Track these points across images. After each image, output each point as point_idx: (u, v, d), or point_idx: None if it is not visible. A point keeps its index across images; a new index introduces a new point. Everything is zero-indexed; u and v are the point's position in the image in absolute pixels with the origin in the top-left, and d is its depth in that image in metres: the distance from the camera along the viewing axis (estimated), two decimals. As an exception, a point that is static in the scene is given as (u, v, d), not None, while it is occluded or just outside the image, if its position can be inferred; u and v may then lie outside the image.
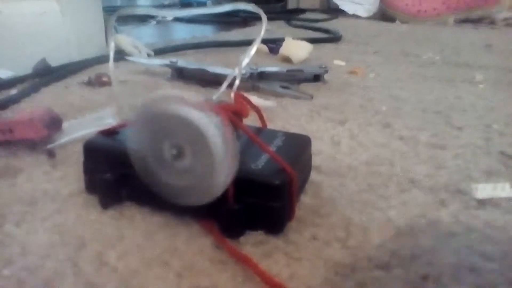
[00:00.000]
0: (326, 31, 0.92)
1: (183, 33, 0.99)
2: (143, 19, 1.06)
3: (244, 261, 0.21)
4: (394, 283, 0.21)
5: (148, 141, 0.23)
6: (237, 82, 0.31)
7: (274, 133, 0.29)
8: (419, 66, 0.66)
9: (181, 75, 0.54)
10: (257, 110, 0.31)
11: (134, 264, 0.21)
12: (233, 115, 0.25)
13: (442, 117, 0.43)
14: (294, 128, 0.39)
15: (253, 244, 0.23)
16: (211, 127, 0.21)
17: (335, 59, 0.67)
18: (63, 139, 0.34)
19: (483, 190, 0.28)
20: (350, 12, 1.27)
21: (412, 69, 0.64)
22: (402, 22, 1.13)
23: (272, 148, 0.26)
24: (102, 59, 0.60)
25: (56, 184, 0.29)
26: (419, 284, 0.20)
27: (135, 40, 0.66)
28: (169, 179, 0.23)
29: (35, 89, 0.48)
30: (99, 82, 0.51)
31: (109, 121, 0.36)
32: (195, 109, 0.22)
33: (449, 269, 0.21)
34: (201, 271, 0.21)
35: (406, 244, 0.23)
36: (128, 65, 0.58)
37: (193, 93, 0.23)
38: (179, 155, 0.23)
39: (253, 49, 0.31)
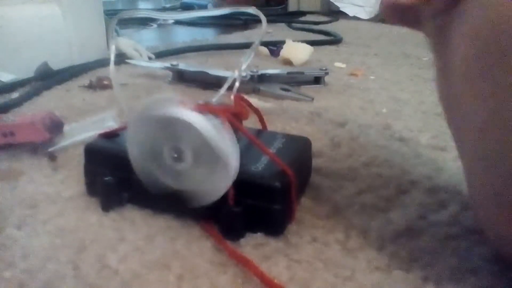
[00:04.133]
0: (326, 33, 0.92)
1: (184, 36, 0.99)
2: (144, 22, 1.06)
3: (244, 263, 0.21)
4: (394, 285, 0.21)
5: (147, 144, 0.23)
6: (237, 84, 0.31)
7: (274, 135, 0.29)
8: (419, 68, 0.66)
9: (182, 78, 0.55)
10: (257, 112, 0.31)
11: (135, 266, 0.22)
12: (233, 117, 0.25)
13: (443, 118, 0.43)
14: (294, 130, 0.39)
15: (253, 246, 0.23)
16: (211, 129, 0.22)
17: (336, 61, 0.67)
18: (64, 142, 0.34)
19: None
20: (351, 14, 1.27)
21: (413, 71, 0.64)
22: (403, 24, 1.13)
23: (272, 150, 0.26)
24: (103, 62, 0.60)
25: (57, 187, 0.29)
26: (420, 286, 0.20)
27: (136, 43, 0.67)
28: (169, 181, 0.23)
29: (36, 92, 0.48)
30: (100, 85, 0.51)
31: (110, 124, 0.36)
32: (193, 111, 0.22)
33: (449, 271, 0.21)
34: (202, 273, 0.21)
35: (406, 246, 0.23)
36: (129, 68, 0.58)
37: (191, 97, 0.23)
38: (179, 158, 0.23)
39: (252, 52, 0.31)
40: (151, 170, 0.24)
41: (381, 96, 0.50)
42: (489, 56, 0.17)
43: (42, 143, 0.33)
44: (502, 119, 0.17)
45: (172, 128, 0.22)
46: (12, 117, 0.35)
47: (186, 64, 0.55)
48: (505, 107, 0.16)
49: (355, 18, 1.26)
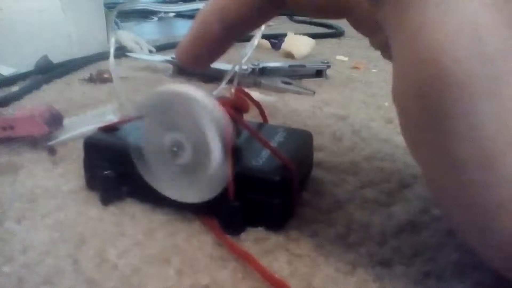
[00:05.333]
0: (328, 26, 0.92)
1: (185, 29, 0.98)
2: (145, 15, 1.06)
3: (244, 258, 0.21)
4: (396, 279, 0.20)
5: (148, 137, 0.23)
6: (237, 77, 0.31)
7: (275, 129, 0.29)
8: (422, 61, 0.65)
9: (182, 71, 0.54)
10: (258, 105, 0.31)
11: (135, 261, 0.21)
12: (234, 110, 0.24)
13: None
14: (295, 123, 0.39)
15: (253, 240, 0.23)
16: (211, 120, 0.21)
17: (338, 54, 0.66)
18: (64, 135, 0.34)
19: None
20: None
21: (415, 64, 0.63)
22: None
23: (273, 143, 0.26)
24: (103, 56, 0.59)
25: (56, 180, 0.29)
26: (421, 281, 0.20)
27: (137, 37, 0.66)
28: (170, 176, 0.23)
29: (36, 86, 0.48)
30: (100, 79, 0.50)
31: (110, 118, 0.36)
32: (196, 102, 0.22)
33: (451, 266, 0.21)
34: (202, 268, 0.21)
35: (408, 241, 0.23)
36: (129, 62, 0.58)
37: (195, 87, 0.23)
38: (179, 151, 0.23)
39: (254, 45, 0.31)
40: (158, 172, 0.23)
41: (383, 90, 0.50)
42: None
43: (42, 137, 0.33)
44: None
45: (174, 119, 0.22)
46: (12, 111, 0.35)
47: (186, 57, 0.55)
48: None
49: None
